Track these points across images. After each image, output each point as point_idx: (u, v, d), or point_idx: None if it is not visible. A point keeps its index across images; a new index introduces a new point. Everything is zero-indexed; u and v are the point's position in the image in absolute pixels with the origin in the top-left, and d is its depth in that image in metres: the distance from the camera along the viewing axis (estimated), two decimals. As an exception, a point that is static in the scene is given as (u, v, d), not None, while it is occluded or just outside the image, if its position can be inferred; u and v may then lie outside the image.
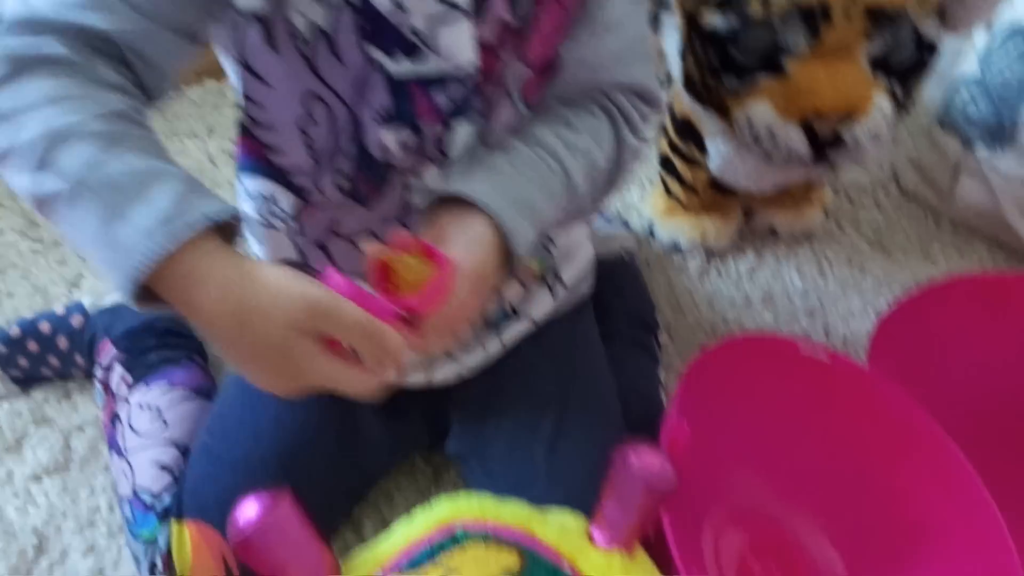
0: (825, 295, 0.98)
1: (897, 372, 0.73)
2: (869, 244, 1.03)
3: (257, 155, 0.61)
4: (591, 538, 0.57)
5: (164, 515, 0.69)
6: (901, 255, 1.02)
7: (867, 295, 0.98)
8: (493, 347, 0.73)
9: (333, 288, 0.48)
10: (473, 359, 0.72)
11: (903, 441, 0.70)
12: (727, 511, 0.76)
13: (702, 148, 0.92)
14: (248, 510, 0.50)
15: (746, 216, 1.03)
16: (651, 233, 1.02)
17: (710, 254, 1.01)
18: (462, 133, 0.58)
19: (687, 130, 0.92)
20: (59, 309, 0.88)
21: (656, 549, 0.70)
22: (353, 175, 0.59)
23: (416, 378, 0.72)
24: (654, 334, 0.87)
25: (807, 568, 0.73)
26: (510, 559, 0.52)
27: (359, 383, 0.49)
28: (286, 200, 0.62)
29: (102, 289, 0.90)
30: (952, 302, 0.80)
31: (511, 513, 0.57)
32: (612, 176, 0.64)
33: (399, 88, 0.55)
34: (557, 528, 0.55)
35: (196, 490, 0.69)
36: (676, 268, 1.01)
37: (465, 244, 0.53)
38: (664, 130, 0.97)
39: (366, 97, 0.56)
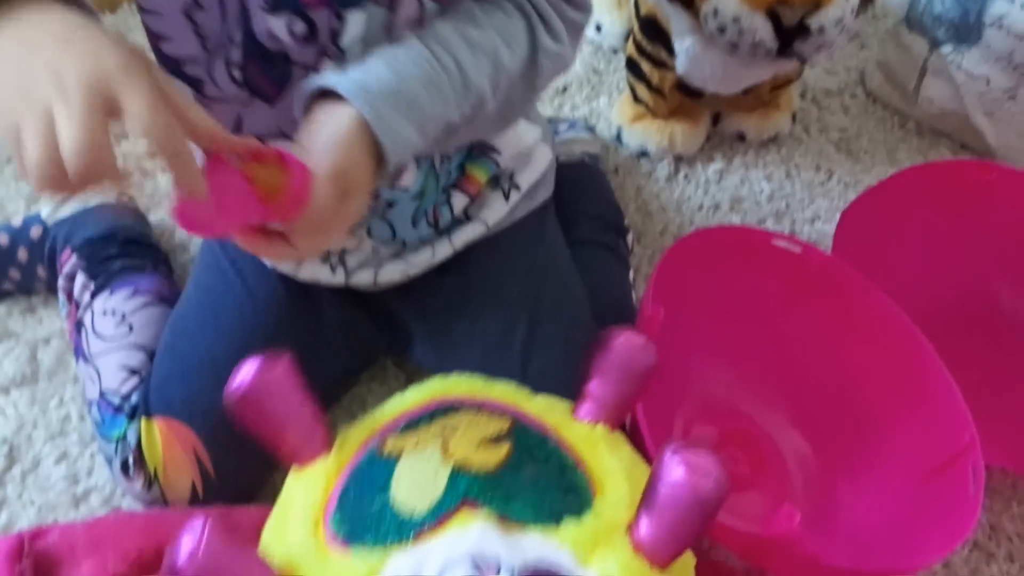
0: (792, 198, 0.98)
1: (860, 263, 0.74)
2: (836, 148, 1.04)
3: (152, 46, 0.57)
4: (575, 415, 0.57)
5: (132, 414, 0.69)
6: (867, 158, 1.03)
7: (834, 198, 0.99)
8: (442, 249, 0.71)
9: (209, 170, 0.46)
10: (420, 258, 0.71)
11: (866, 326, 0.71)
12: (697, 403, 0.77)
13: (669, 49, 0.91)
14: (247, 368, 0.51)
15: (714, 122, 1.03)
16: (619, 139, 1.02)
17: (678, 160, 1.01)
18: (355, 24, 0.54)
19: (653, 30, 0.91)
20: (16, 221, 0.86)
21: (631, 439, 0.72)
22: (245, 65, 0.56)
23: (363, 277, 0.71)
24: (623, 238, 0.87)
25: (775, 456, 0.75)
26: (501, 423, 0.52)
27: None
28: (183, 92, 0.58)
29: (55, 200, 0.88)
30: (911, 191, 0.81)
31: (500, 390, 0.58)
32: (527, 81, 0.60)
33: None
34: (543, 404, 0.56)
35: (162, 389, 0.69)
36: (644, 174, 1.00)
37: (325, 141, 0.50)
38: (631, 33, 0.96)
39: None
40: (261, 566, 0.47)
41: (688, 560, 0.49)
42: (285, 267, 0.72)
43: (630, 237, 0.89)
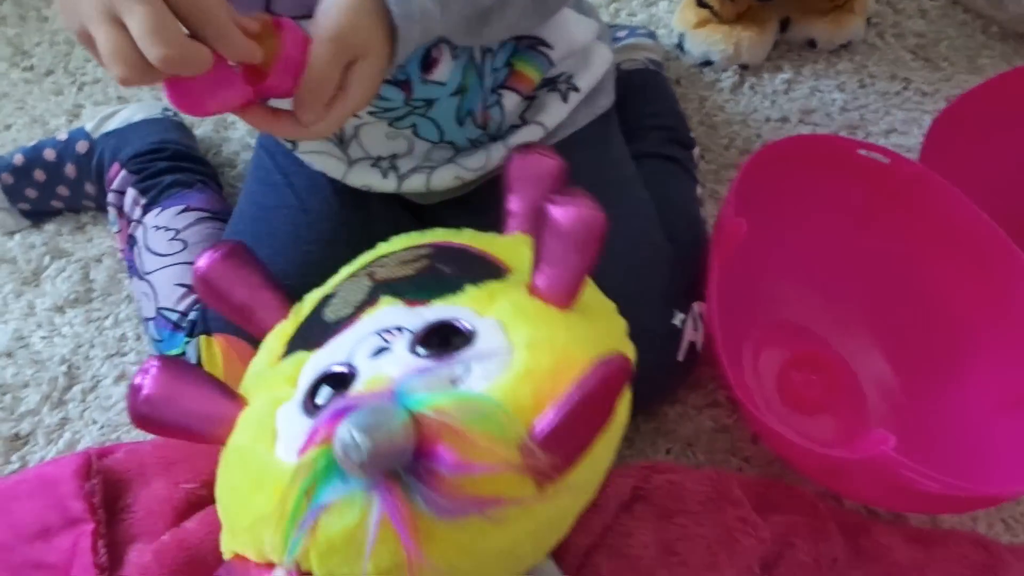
0: (866, 110, 0.93)
1: (949, 177, 0.70)
2: (913, 55, 0.97)
3: None
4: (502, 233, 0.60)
5: (191, 331, 0.68)
6: (947, 66, 0.96)
7: (910, 109, 0.93)
8: (497, 152, 0.68)
9: None
10: (473, 162, 0.68)
11: (957, 242, 0.67)
12: (770, 324, 0.74)
13: (742, -54, 0.85)
14: (204, 254, 0.59)
15: (782, 28, 0.97)
16: (680, 47, 0.96)
17: (744, 69, 0.95)
18: None
19: (726, -75, 0.84)
20: (61, 135, 0.83)
21: (707, 359, 0.70)
22: None
23: (415, 182, 0.68)
24: (690, 151, 0.83)
25: (851, 381, 0.72)
26: (424, 251, 0.57)
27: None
28: None
29: (100, 113, 0.85)
30: (1001, 100, 0.76)
31: (431, 235, 0.61)
32: None
33: None
34: (470, 234, 0.60)
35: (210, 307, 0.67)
36: (707, 84, 0.95)
37: (327, 6, 0.47)
38: (698, -71, 0.89)
39: None
40: (274, 287, 0.59)
41: (608, 308, 0.53)
42: (334, 172, 0.69)
43: (696, 151, 0.84)
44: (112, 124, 0.83)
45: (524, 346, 0.47)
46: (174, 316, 0.69)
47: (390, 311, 0.51)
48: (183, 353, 0.67)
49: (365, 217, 0.71)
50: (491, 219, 0.71)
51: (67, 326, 0.78)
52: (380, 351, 0.48)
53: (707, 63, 0.95)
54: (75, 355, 0.76)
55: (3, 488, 0.63)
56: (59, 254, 0.82)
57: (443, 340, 0.48)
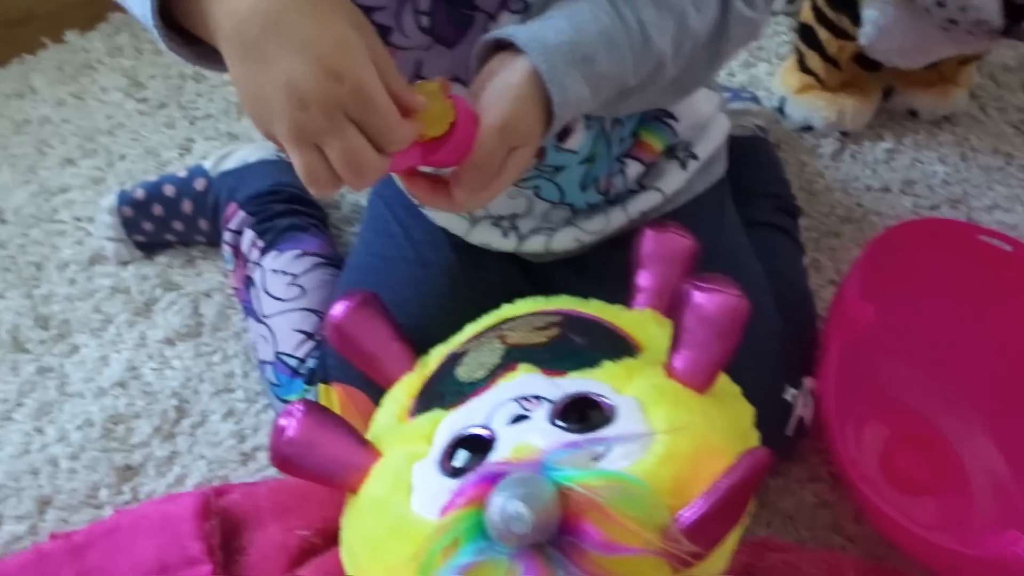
0: (968, 184, 0.92)
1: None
2: (1015, 129, 0.97)
3: None
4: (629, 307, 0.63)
5: (310, 378, 0.69)
6: (1051, 142, 0.96)
7: (1013, 185, 0.92)
8: (617, 217, 0.69)
9: None
10: (593, 225, 0.69)
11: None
12: (876, 397, 0.74)
13: (854, 18, 0.85)
14: (340, 303, 0.62)
15: (884, 96, 0.97)
16: (781, 110, 0.97)
17: (845, 135, 0.96)
18: None
19: (841, -3, 0.85)
20: (181, 172, 0.86)
21: (816, 432, 0.69)
22: (432, 11, 0.56)
23: (535, 243, 0.70)
24: (796, 220, 0.83)
25: (959, 467, 0.71)
26: (555, 318, 0.59)
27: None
28: None
29: (217, 152, 0.87)
30: None
31: (556, 302, 0.62)
32: (712, 47, 0.57)
33: None
34: (598, 304, 0.61)
35: (339, 355, 0.68)
36: (807, 150, 0.95)
37: (497, 91, 0.49)
38: (811, -3, 0.90)
39: None
40: (401, 340, 0.63)
41: (735, 391, 0.54)
42: (457, 228, 0.70)
43: (802, 221, 0.84)
44: (229, 163, 0.85)
45: (664, 429, 0.48)
46: (293, 362, 0.70)
47: (528, 379, 0.52)
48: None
49: (480, 273, 0.72)
50: (600, 281, 0.72)
51: (177, 359, 0.80)
52: (519, 418, 0.50)
53: (808, 128, 0.96)
54: (185, 388, 0.78)
55: (126, 523, 0.65)
56: (170, 286, 0.85)
57: (582, 413, 0.50)
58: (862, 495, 0.63)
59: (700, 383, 0.51)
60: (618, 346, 0.56)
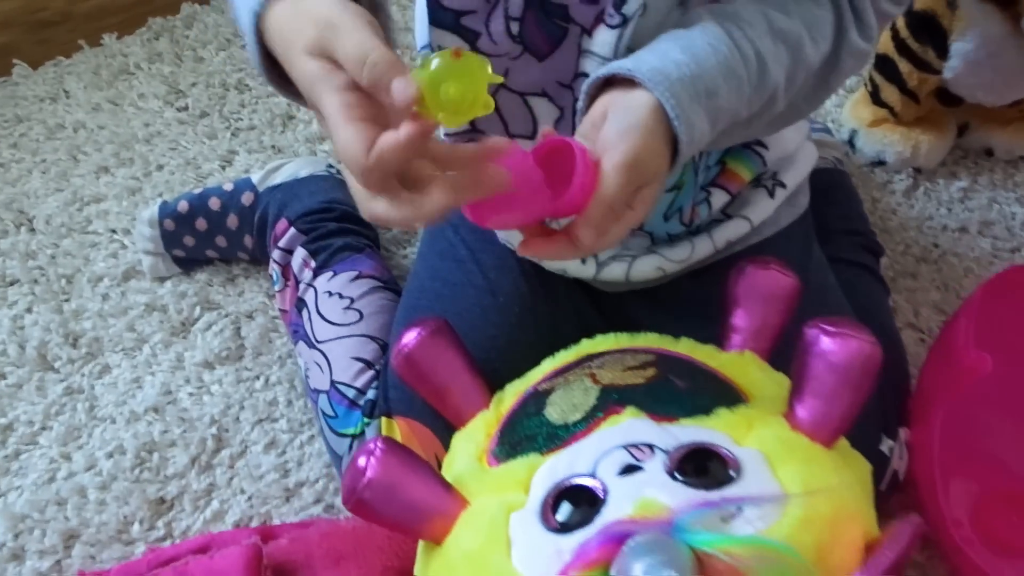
0: (1049, 226, 0.88)
1: None
2: (1096, 172, 0.93)
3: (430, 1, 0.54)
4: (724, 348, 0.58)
5: (370, 411, 0.64)
6: None
7: (1094, 229, 0.88)
8: (702, 246, 0.65)
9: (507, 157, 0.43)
10: (678, 254, 0.65)
11: None
12: (969, 453, 0.69)
13: (940, 50, 0.81)
14: (411, 330, 0.57)
15: (959, 132, 0.93)
16: (851, 144, 0.93)
17: (918, 172, 0.92)
18: None
19: (927, 28, 0.81)
20: (227, 184, 0.81)
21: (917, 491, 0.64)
22: (523, 17, 0.53)
23: (615, 271, 0.65)
24: (879, 258, 0.79)
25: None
26: (646, 357, 0.54)
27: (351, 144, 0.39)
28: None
29: (268, 166, 0.83)
30: None
31: (644, 339, 0.58)
32: (824, 79, 0.55)
33: None
34: (689, 344, 0.57)
35: (403, 387, 0.63)
36: (879, 185, 0.91)
37: (621, 128, 0.45)
38: (891, 27, 0.86)
39: None
40: (474, 371, 0.58)
41: (845, 444, 0.49)
42: (534, 258, 0.66)
43: (883, 260, 0.80)
44: (278, 178, 0.80)
45: (799, 489, 0.43)
46: (351, 392, 0.65)
47: (637, 425, 0.47)
48: (360, 433, 0.63)
49: (551, 303, 0.67)
50: (679, 315, 0.67)
51: (216, 384, 0.75)
52: (630, 468, 0.45)
53: (879, 163, 0.92)
54: (224, 416, 0.73)
55: (171, 578, 0.58)
56: (210, 306, 0.80)
57: (701, 466, 0.45)
58: (966, 560, 0.58)
59: (828, 437, 0.47)
60: (725, 391, 0.51)
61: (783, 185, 0.67)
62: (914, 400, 0.68)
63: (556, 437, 0.49)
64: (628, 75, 0.46)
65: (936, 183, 0.91)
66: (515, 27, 0.53)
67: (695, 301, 0.66)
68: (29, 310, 0.79)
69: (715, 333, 0.64)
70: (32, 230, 0.85)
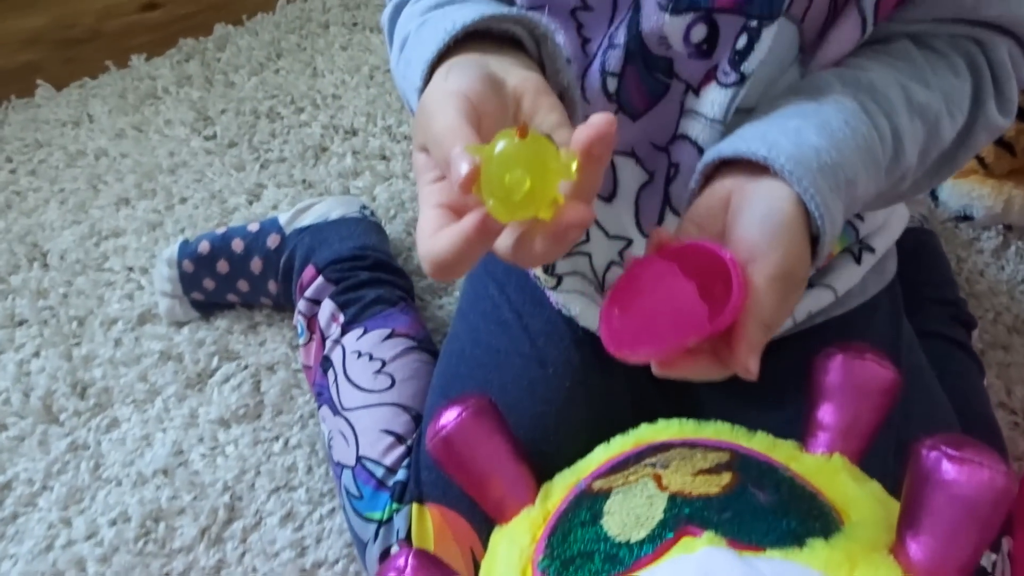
0: None
1: None
2: None
3: None
4: (806, 448, 0.50)
5: (400, 495, 0.57)
6: None
7: None
8: None
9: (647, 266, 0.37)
10: None
11: None
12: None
13: (1043, 99, 0.73)
14: (451, 412, 0.51)
15: (1054, 187, 0.84)
16: (934, 197, 0.84)
17: (1008, 229, 0.83)
18: (765, 42, 0.42)
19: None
20: (252, 225, 0.75)
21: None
22: (622, 71, 0.46)
23: None
24: (971, 332, 0.70)
25: None
26: (720, 456, 0.47)
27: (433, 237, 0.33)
28: None
29: (298, 205, 0.76)
30: None
31: (713, 429, 0.52)
32: (952, 155, 0.47)
33: None
34: (767, 441, 0.50)
35: (436, 469, 0.56)
36: (964, 243, 0.83)
37: (765, 232, 0.38)
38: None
39: None
40: (518, 457, 0.50)
41: None
42: (592, 320, 0.59)
43: (975, 333, 0.71)
44: (307, 219, 0.74)
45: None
46: (379, 471, 0.58)
47: (715, 556, 0.40)
48: (387, 519, 0.56)
49: (605, 375, 0.60)
50: (749, 396, 0.60)
51: (231, 445, 0.68)
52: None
53: (965, 218, 0.83)
54: (239, 482, 0.66)
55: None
56: (229, 356, 0.73)
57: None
58: None
59: None
60: (817, 511, 0.44)
61: (871, 250, 0.59)
62: (1018, 504, 0.60)
63: (617, 560, 0.42)
64: (763, 162, 0.39)
65: (1029, 242, 0.83)
66: (612, 83, 0.46)
67: (769, 380, 0.58)
68: (37, 354, 0.73)
69: (790, 417, 0.57)
70: (45, 265, 0.80)
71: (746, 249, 0.38)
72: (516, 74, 0.37)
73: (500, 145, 0.31)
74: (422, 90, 0.39)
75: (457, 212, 0.34)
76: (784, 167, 0.38)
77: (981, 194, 0.82)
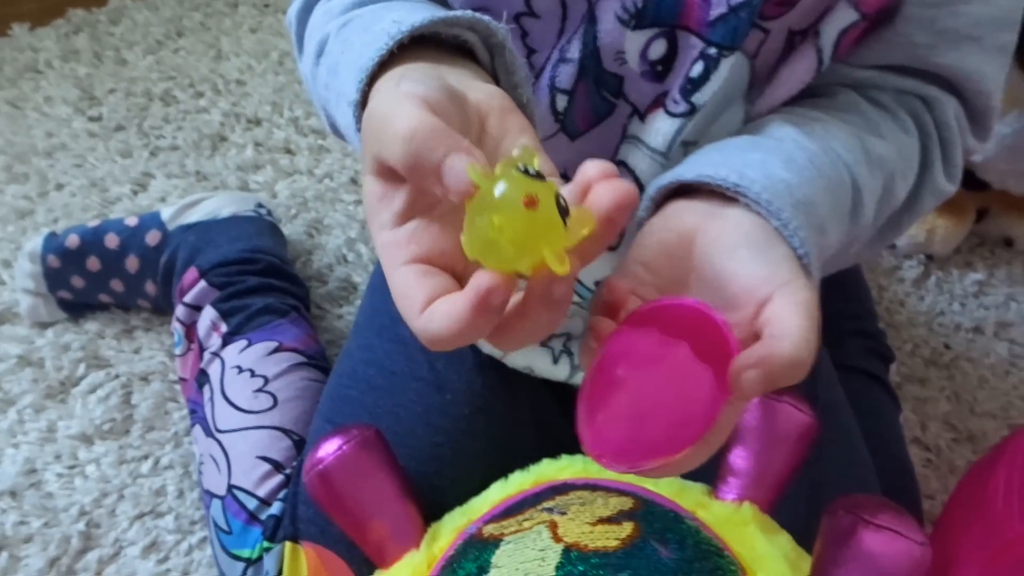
0: (1072, 332, 0.79)
1: None
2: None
3: None
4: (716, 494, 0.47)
5: (272, 531, 0.51)
6: None
7: (1121, 338, 0.79)
8: None
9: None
10: None
11: None
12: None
13: (970, 129, 0.72)
14: (331, 440, 0.46)
15: (976, 217, 0.84)
16: (857, 222, 0.83)
17: (929, 259, 0.82)
18: (722, 74, 0.38)
19: (958, 103, 0.71)
20: (131, 219, 0.67)
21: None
22: (574, 89, 0.41)
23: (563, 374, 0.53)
24: (889, 366, 0.68)
25: None
26: (623, 502, 0.44)
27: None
28: None
29: (178, 196, 0.69)
30: None
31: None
32: (898, 221, 0.44)
33: None
34: (675, 485, 0.47)
35: (315, 505, 0.50)
36: (885, 271, 0.81)
37: (767, 261, 0.31)
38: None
39: None
40: (404, 494, 0.46)
41: None
42: (495, 352, 0.54)
43: (893, 367, 0.69)
44: (194, 215, 0.67)
45: None
46: (251, 503, 0.52)
47: None
48: (257, 558, 0.50)
49: (509, 404, 0.55)
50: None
51: (92, 464, 0.61)
52: None
53: (889, 246, 0.82)
54: (97, 507, 0.59)
55: None
56: (97, 363, 0.66)
57: None
58: None
59: None
60: (720, 571, 0.40)
61: None
62: (933, 548, 0.58)
63: None
64: (732, 191, 0.32)
65: (950, 273, 0.81)
66: (562, 102, 0.42)
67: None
68: None
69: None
70: None
71: (755, 286, 0.31)
72: (478, 89, 0.31)
73: (499, 189, 0.25)
74: (358, 103, 0.33)
75: (437, 264, 0.28)
76: (760, 196, 0.32)
77: (904, 222, 0.81)
